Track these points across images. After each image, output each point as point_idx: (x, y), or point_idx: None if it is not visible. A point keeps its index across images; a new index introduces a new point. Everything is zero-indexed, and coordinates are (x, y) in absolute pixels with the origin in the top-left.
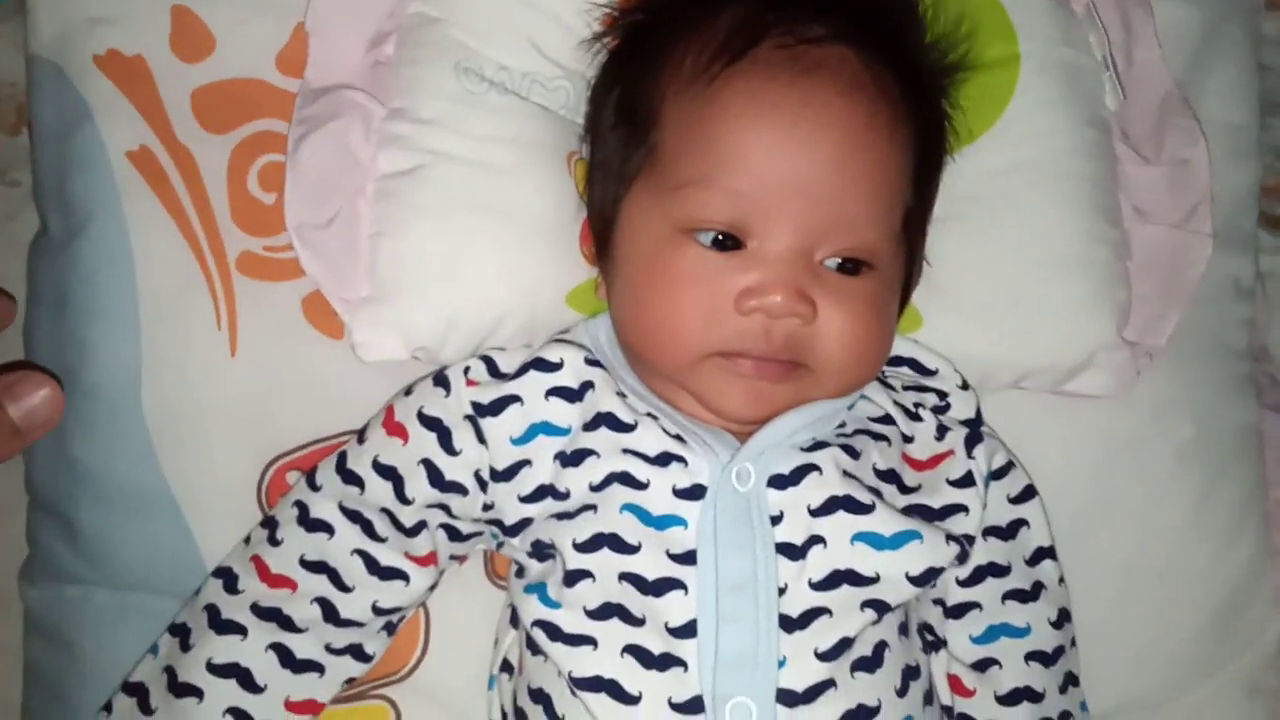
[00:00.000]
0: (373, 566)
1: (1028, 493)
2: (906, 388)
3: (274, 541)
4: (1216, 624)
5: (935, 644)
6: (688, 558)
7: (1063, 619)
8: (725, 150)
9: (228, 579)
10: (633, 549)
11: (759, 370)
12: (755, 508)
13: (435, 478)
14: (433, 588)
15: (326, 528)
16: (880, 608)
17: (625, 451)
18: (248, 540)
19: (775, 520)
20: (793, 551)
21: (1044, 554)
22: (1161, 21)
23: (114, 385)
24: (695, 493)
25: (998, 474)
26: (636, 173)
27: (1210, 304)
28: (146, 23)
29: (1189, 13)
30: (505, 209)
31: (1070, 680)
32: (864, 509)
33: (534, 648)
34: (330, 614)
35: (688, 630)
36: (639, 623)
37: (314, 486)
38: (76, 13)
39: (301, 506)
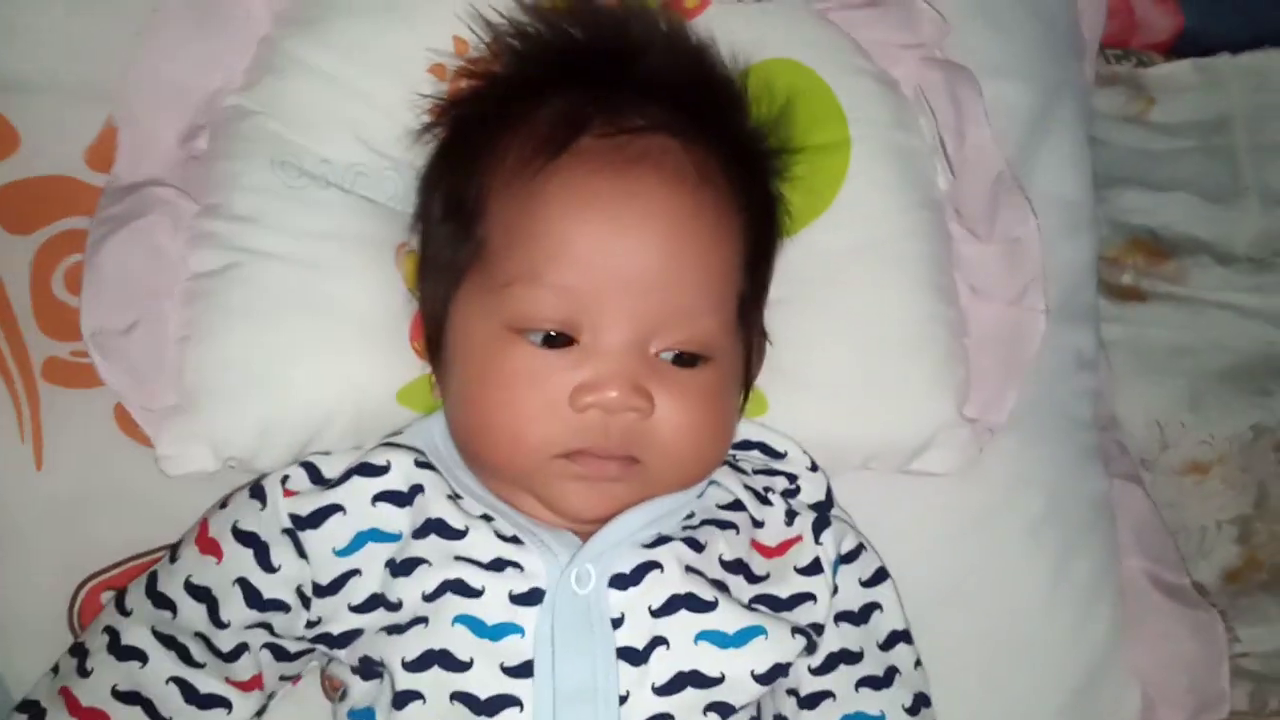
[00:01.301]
0: (191, 695)
1: (879, 575)
2: (757, 471)
3: (83, 672)
4: (1075, 702)
5: None
6: (523, 669)
7: (919, 704)
8: (551, 245)
9: (34, 713)
10: (464, 665)
11: (599, 469)
12: (595, 610)
13: (252, 598)
14: (261, 713)
15: (139, 655)
16: (725, 710)
17: (458, 559)
18: (55, 670)
19: (616, 623)
20: (634, 656)
21: (898, 637)
22: (993, 99)
23: None
24: (532, 597)
25: (847, 558)
26: (465, 269)
27: (1054, 377)
28: None
29: (1020, 91)
30: (326, 307)
31: None
32: (706, 606)
33: None
34: None
35: None
36: None
37: (124, 611)
38: None
39: (112, 633)
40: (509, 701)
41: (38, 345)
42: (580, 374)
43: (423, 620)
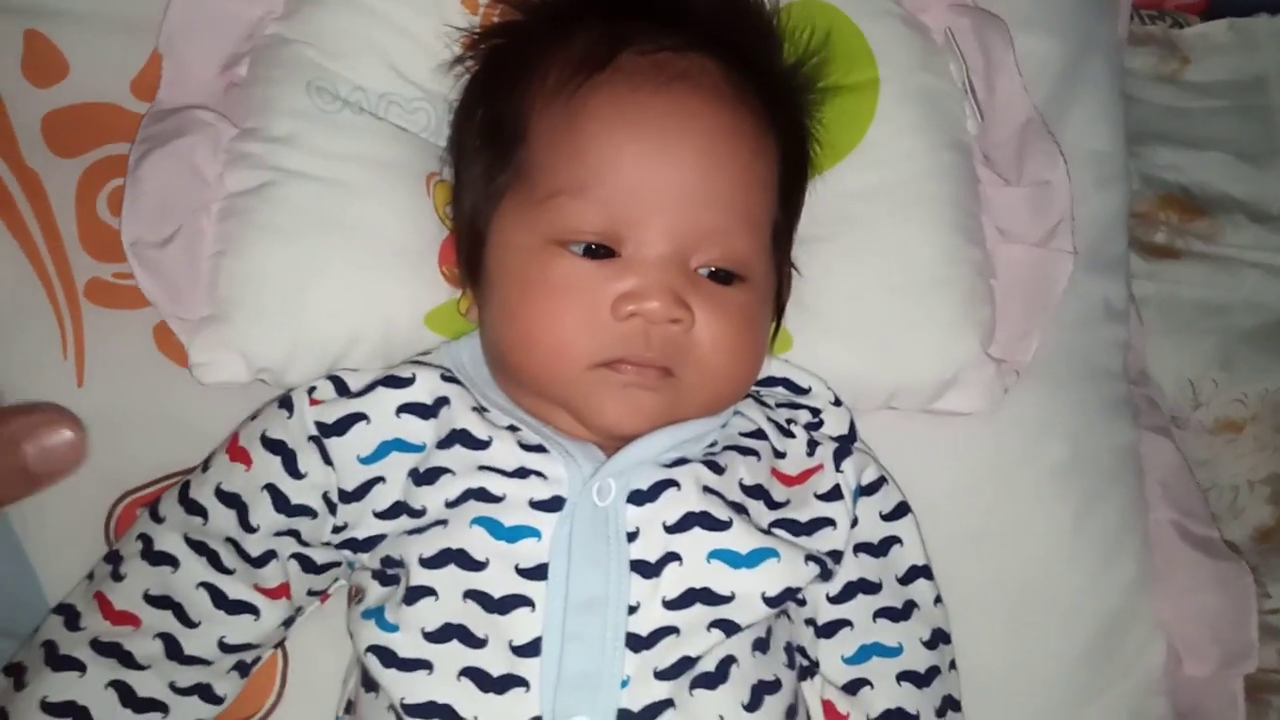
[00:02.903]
0: (219, 600)
1: (900, 510)
2: (780, 405)
3: (117, 577)
4: (1097, 649)
5: (810, 669)
6: (537, 572)
7: (937, 639)
8: (594, 159)
9: (69, 615)
10: (480, 565)
11: (639, 375)
12: (612, 524)
13: (280, 503)
14: (288, 624)
15: (171, 560)
16: (729, 628)
17: (481, 468)
18: (91, 576)
19: (631, 537)
20: (646, 569)
21: (918, 572)
22: (1024, 52)
23: None
24: (553, 505)
25: (868, 489)
26: (505, 189)
27: (1082, 326)
28: None
29: (1051, 45)
30: (356, 227)
31: (950, 704)
32: (720, 525)
33: (368, 683)
34: (174, 650)
35: (532, 649)
36: (480, 644)
37: (158, 519)
38: None
39: (146, 540)
40: (521, 601)
41: (81, 266)
42: (622, 284)
43: (442, 522)
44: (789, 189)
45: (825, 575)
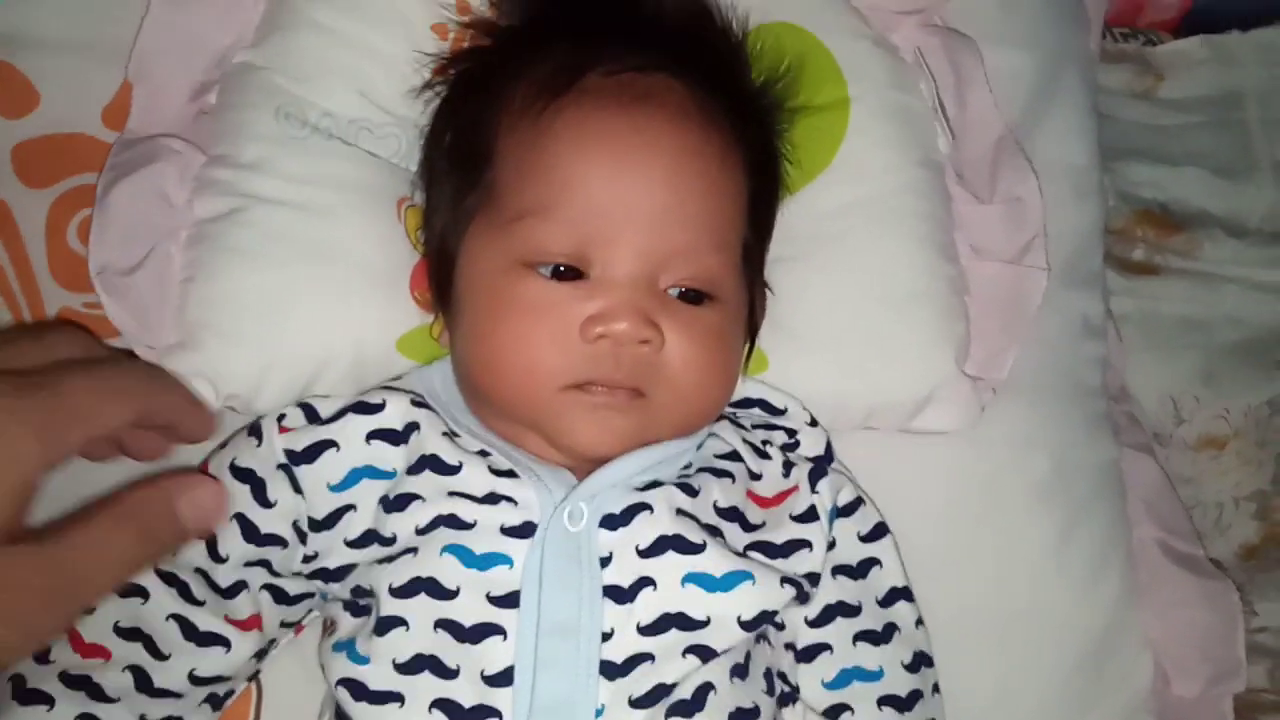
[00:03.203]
0: (190, 632)
1: (878, 531)
2: (756, 426)
3: (87, 609)
4: (1085, 666)
5: (791, 695)
6: (509, 600)
7: (919, 662)
8: (560, 179)
9: (38, 650)
10: (451, 593)
11: (610, 397)
12: (585, 549)
13: (250, 532)
14: (261, 656)
15: (140, 592)
16: (705, 654)
17: (452, 494)
18: None
19: (604, 562)
20: (620, 594)
21: (898, 594)
22: (995, 67)
23: None
24: (524, 530)
25: (845, 510)
26: (474, 211)
27: (1060, 342)
28: None
29: (1023, 59)
30: (326, 251)
31: None
32: (694, 549)
33: (341, 717)
34: (144, 683)
35: (504, 678)
36: (452, 674)
37: None
38: None
39: None
40: (492, 630)
41: (52, 296)
42: (590, 305)
43: (412, 550)
44: (759, 208)
45: (802, 598)
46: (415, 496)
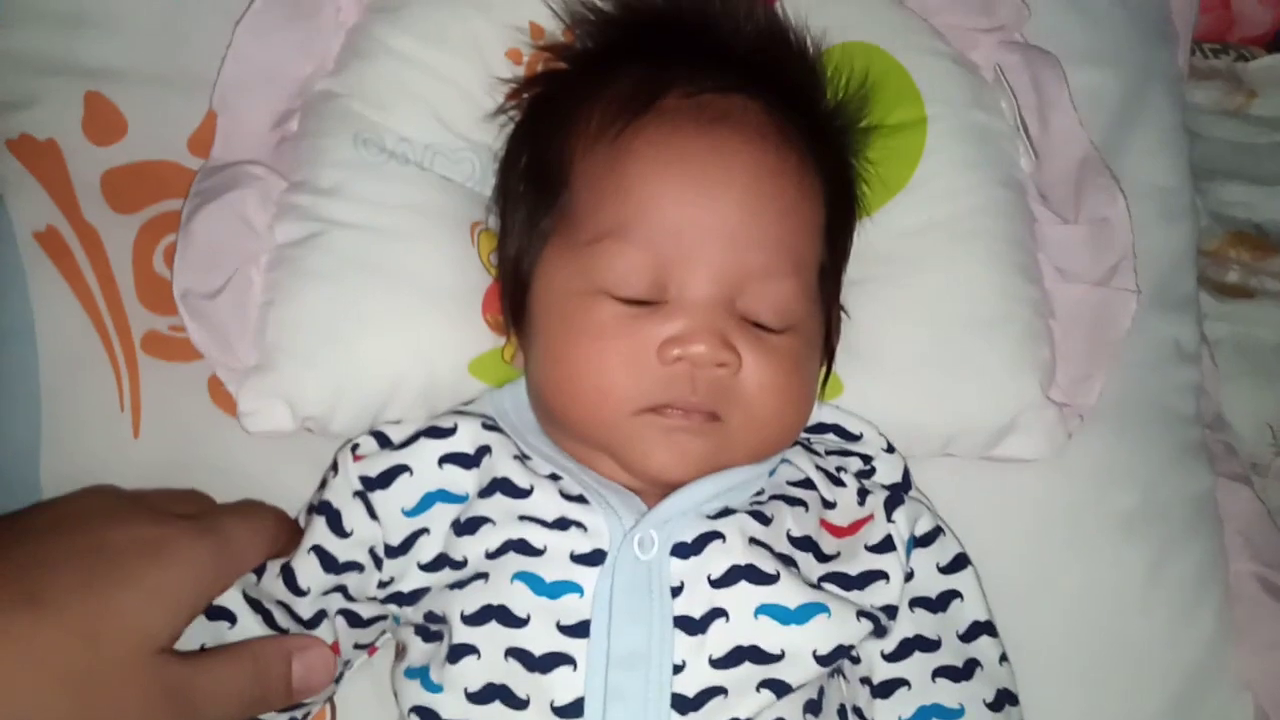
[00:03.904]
0: None
1: (959, 562)
2: (830, 452)
3: None
4: (1178, 708)
5: None
6: (579, 629)
7: (1002, 700)
8: (637, 200)
9: None
10: (522, 622)
11: (686, 420)
12: (656, 578)
13: (328, 563)
14: (337, 679)
15: (229, 616)
16: (780, 689)
17: (522, 518)
18: None
19: (676, 591)
20: (691, 625)
21: (980, 629)
22: (1080, 87)
23: (12, 462)
24: (594, 558)
25: (923, 540)
26: (550, 234)
27: (1151, 369)
28: (59, 108)
29: (1108, 78)
30: (400, 274)
31: None
32: (768, 579)
33: None
34: None
35: (574, 709)
36: (522, 705)
37: None
38: None
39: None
40: (562, 660)
41: (138, 318)
42: (668, 328)
43: (483, 576)
44: (835, 231)
45: (879, 632)
46: (486, 520)
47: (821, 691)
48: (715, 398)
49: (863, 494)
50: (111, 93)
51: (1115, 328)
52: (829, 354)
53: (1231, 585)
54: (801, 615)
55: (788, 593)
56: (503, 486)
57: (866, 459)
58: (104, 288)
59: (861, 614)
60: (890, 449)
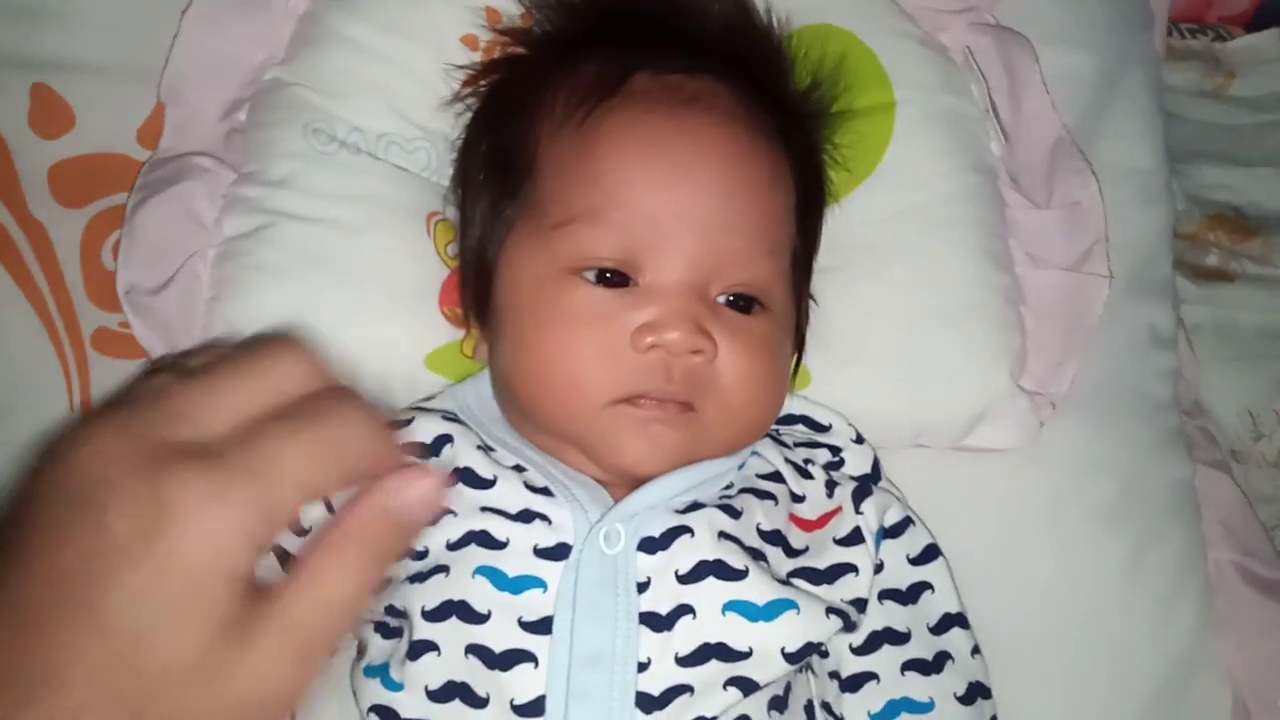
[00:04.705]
0: None
1: (930, 553)
2: (798, 444)
3: None
4: (1160, 700)
5: None
6: (541, 626)
7: (974, 693)
8: (608, 183)
9: None
10: (482, 618)
11: (661, 410)
12: (621, 573)
13: (284, 559)
14: None
15: None
16: (747, 686)
17: (484, 510)
18: None
19: (642, 587)
20: (657, 622)
21: (952, 621)
22: (1054, 69)
23: None
24: (558, 552)
25: (892, 531)
26: (515, 220)
27: (1127, 355)
28: (5, 100)
29: (1083, 60)
30: (353, 267)
31: None
32: (736, 575)
33: None
34: None
35: (534, 708)
36: (482, 703)
37: None
38: None
39: None
40: (524, 656)
41: (87, 315)
42: (641, 314)
43: (444, 569)
44: (806, 216)
45: (849, 627)
46: (446, 510)
47: (788, 688)
48: (690, 387)
49: (831, 486)
50: (59, 84)
51: (1088, 313)
52: (799, 342)
53: (1211, 574)
54: (770, 612)
55: (756, 589)
56: (464, 476)
57: (835, 450)
58: (52, 284)
59: (831, 610)
60: (859, 440)
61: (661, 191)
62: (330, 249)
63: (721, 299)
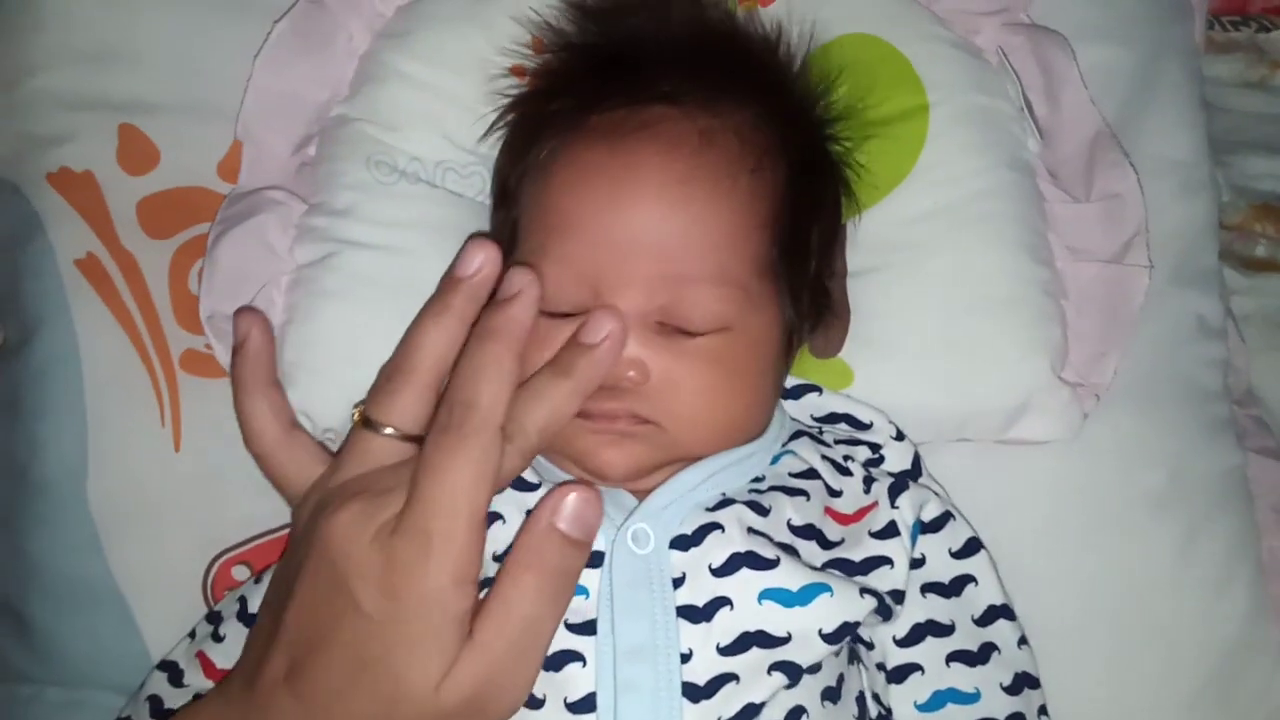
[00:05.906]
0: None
1: (971, 546)
2: (839, 442)
3: (217, 637)
4: (1214, 687)
5: (885, 718)
6: (587, 627)
7: (1021, 684)
8: (553, 220)
9: (172, 672)
10: None
11: (607, 425)
12: (655, 571)
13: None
14: None
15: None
16: (791, 671)
17: (528, 513)
18: (193, 635)
19: (678, 583)
20: (695, 614)
21: (997, 613)
22: (1091, 63)
23: (61, 480)
24: (593, 561)
25: (931, 526)
26: (508, 252)
27: (1174, 345)
28: (95, 141)
29: (1121, 54)
30: (411, 288)
31: None
32: (768, 564)
33: None
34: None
35: (586, 704)
36: (538, 704)
37: (257, 580)
38: (30, 133)
39: (242, 601)
40: (573, 657)
41: (176, 338)
42: None
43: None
44: (798, 222)
45: (884, 612)
46: (497, 516)
47: (840, 679)
48: (636, 402)
49: (868, 482)
50: (143, 124)
51: (1129, 305)
52: (799, 341)
53: (1265, 561)
54: (804, 596)
55: (789, 576)
56: (514, 480)
57: (875, 447)
58: (143, 310)
59: (864, 590)
60: (900, 436)
61: (596, 223)
62: (387, 273)
63: (670, 320)
